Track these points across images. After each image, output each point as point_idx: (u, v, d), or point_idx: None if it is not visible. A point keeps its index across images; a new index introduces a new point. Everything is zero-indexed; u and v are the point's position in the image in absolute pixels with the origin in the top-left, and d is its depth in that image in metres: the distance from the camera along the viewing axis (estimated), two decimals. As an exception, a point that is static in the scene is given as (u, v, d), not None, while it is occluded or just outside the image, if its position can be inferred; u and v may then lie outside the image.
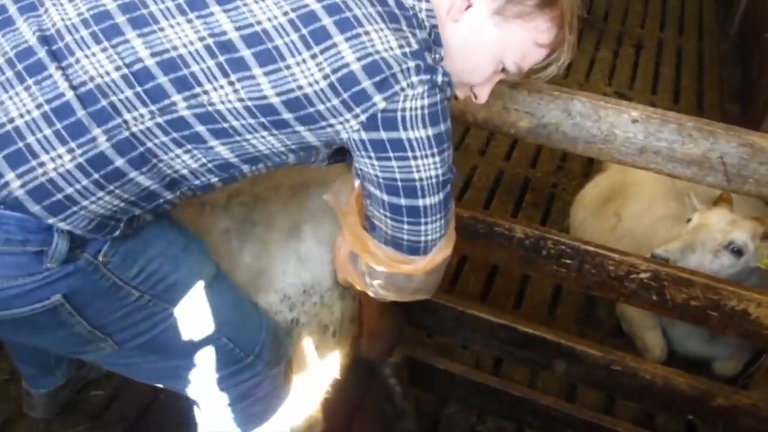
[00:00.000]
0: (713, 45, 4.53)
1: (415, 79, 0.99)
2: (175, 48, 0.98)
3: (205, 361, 1.28)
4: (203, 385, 1.33)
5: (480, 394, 2.10)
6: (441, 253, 1.21)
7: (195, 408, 1.43)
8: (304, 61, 0.98)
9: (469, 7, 1.10)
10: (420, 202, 1.10)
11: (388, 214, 1.13)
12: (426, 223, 1.13)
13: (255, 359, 1.32)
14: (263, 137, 1.04)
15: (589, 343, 1.85)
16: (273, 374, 1.38)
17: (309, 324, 1.48)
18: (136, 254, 1.11)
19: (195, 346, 1.25)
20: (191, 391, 1.36)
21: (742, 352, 2.28)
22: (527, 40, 1.12)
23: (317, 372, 1.54)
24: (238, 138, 1.03)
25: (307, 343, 1.50)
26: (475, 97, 1.22)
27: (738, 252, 1.98)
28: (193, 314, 1.22)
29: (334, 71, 0.98)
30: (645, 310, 1.78)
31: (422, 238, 1.16)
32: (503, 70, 1.17)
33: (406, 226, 1.14)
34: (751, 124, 3.18)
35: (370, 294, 1.32)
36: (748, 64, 4.03)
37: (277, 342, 1.39)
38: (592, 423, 1.99)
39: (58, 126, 0.96)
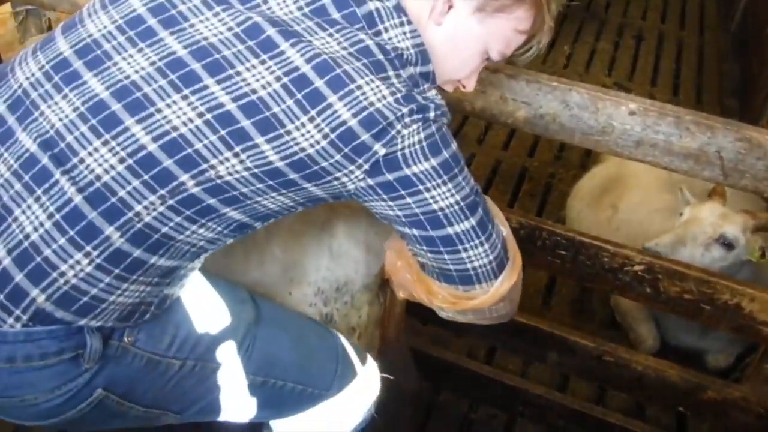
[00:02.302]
0: (714, 39, 4.52)
1: (408, 120, 1.00)
2: (175, 129, 0.96)
3: (278, 409, 1.26)
4: (286, 423, 1.31)
5: (473, 383, 2.11)
6: (505, 283, 1.17)
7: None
8: (303, 125, 0.97)
9: (450, 8, 1.11)
10: (450, 230, 1.08)
11: (425, 247, 1.11)
12: (465, 250, 1.10)
13: (335, 390, 1.29)
14: (273, 197, 1.04)
15: (581, 334, 1.85)
16: (348, 389, 1.34)
17: (340, 323, 1.46)
18: (162, 324, 1.10)
19: (261, 399, 1.22)
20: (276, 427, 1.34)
21: (734, 346, 2.29)
22: (509, 30, 1.13)
23: None
24: (249, 202, 1.03)
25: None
26: (464, 87, 1.22)
27: (729, 245, 1.99)
28: (244, 368, 1.18)
29: (333, 130, 0.98)
30: (638, 302, 1.79)
31: (469, 266, 1.12)
32: (488, 59, 1.18)
33: (446, 257, 1.11)
34: (750, 119, 3.18)
35: (443, 317, 1.29)
36: (748, 59, 4.02)
37: (351, 361, 1.35)
38: (583, 413, 2.00)
39: (71, 233, 0.95)
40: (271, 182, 1.01)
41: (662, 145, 1.36)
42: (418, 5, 1.10)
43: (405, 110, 0.99)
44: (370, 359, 1.41)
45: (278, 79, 0.98)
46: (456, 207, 1.06)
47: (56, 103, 0.99)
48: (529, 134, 3.29)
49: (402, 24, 1.07)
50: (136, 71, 0.99)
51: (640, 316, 2.36)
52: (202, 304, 1.16)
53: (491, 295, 1.16)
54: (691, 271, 1.55)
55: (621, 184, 2.57)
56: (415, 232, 1.09)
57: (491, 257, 1.14)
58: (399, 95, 1.00)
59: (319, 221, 1.43)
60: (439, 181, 1.04)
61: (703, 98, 3.93)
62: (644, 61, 4.23)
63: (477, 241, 1.11)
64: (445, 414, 2.14)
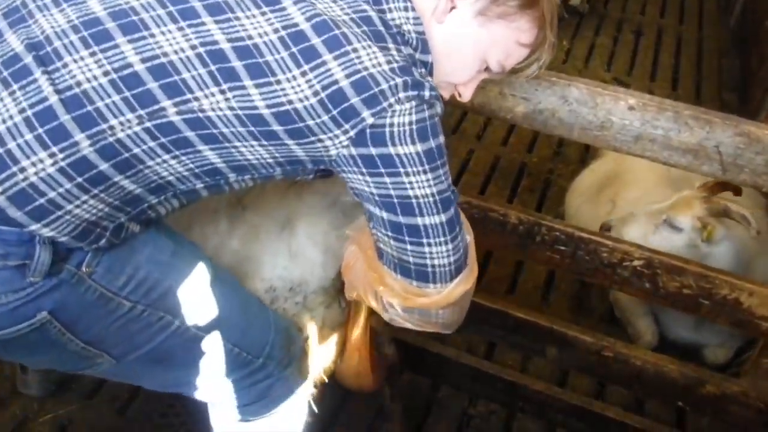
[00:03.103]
0: (713, 34, 4.51)
1: (402, 95, 1.00)
2: (165, 54, 0.97)
3: (212, 368, 1.26)
4: (214, 390, 1.31)
5: (472, 379, 2.11)
6: (460, 287, 1.17)
7: (209, 405, 1.41)
8: (294, 77, 0.98)
9: (452, 8, 1.12)
10: (419, 220, 1.08)
11: (389, 233, 1.11)
12: (429, 245, 1.11)
13: (265, 361, 1.30)
14: (252, 146, 1.03)
15: (581, 329, 1.85)
16: (286, 374, 1.36)
17: None
18: (122, 262, 1.09)
19: (199, 354, 1.23)
20: (204, 396, 1.34)
21: (732, 340, 2.29)
22: (510, 40, 1.14)
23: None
24: (227, 144, 1.02)
25: None
26: (459, 96, 1.23)
27: (675, 228, 2.02)
28: (193, 321, 1.19)
29: (324, 88, 0.98)
30: (638, 297, 1.79)
31: (428, 262, 1.13)
32: (487, 69, 1.18)
33: (409, 247, 1.11)
34: (750, 114, 3.18)
35: (386, 319, 1.29)
36: (748, 54, 4.02)
37: (289, 341, 1.37)
38: (582, 408, 2.00)
39: (40, 131, 0.94)
40: (253, 128, 1.01)
41: (661, 140, 1.36)
42: (427, 1, 1.11)
43: (399, 81, 1.00)
44: (299, 354, 1.41)
45: (276, 31, 1.00)
46: (431, 199, 1.07)
47: (52, 15, 1.00)
48: (528, 130, 3.29)
49: (406, 9, 1.08)
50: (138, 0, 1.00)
51: (639, 310, 2.37)
52: (164, 252, 1.16)
53: (444, 296, 1.16)
54: (690, 266, 1.55)
55: (619, 179, 2.57)
56: (385, 214, 1.09)
57: (452, 258, 1.14)
58: (395, 65, 1.01)
59: (280, 219, 1.42)
60: (421, 168, 1.04)
61: (703, 93, 3.93)
62: (643, 56, 4.22)
63: (442, 239, 1.11)
64: (445, 409, 2.14)
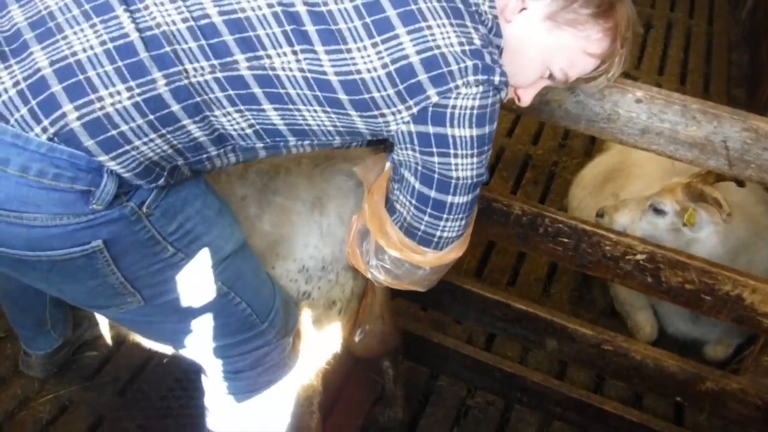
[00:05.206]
0: (723, 29, 4.47)
1: (471, 78, 1.01)
2: (243, 10, 1.00)
3: (222, 324, 1.29)
4: (215, 350, 1.33)
5: (471, 369, 2.11)
6: (453, 252, 1.22)
7: (202, 375, 1.43)
8: (365, 47, 1.00)
9: (522, 9, 1.11)
10: (449, 198, 1.12)
11: (414, 201, 1.14)
12: (447, 220, 1.15)
13: (268, 326, 1.33)
14: (315, 112, 1.05)
15: (581, 322, 1.85)
16: (282, 344, 1.39)
17: (319, 299, 1.48)
18: (176, 210, 1.12)
19: (215, 308, 1.26)
20: (203, 356, 1.36)
21: (732, 336, 2.29)
22: (577, 49, 1.13)
23: (319, 344, 1.55)
24: (291, 106, 1.04)
25: (313, 316, 1.50)
26: (518, 100, 1.22)
27: (659, 212, 2.06)
28: (219, 277, 1.23)
29: (394, 61, 1.00)
30: (640, 291, 1.79)
31: (438, 233, 1.17)
32: (550, 76, 1.17)
33: (426, 218, 1.15)
34: (758, 110, 3.15)
35: (368, 276, 1.33)
36: (757, 50, 3.98)
37: (288, 312, 1.40)
38: (580, 401, 2.01)
39: (120, 64, 0.97)
40: (318, 93, 1.03)
41: (668, 134, 1.35)
42: None
43: (470, 64, 1.00)
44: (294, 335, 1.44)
45: (352, 0, 1.01)
46: (469, 181, 1.10)
47: None
48: (534, 122, 3.28)
49: None
50: None
51: (639, 304, 2.37)
52: (212, 209, 1.20)
53: (438, 257, 1.21)
54: (693, 261, 1.55)
55: (624, 173, 2.55)
56: (418, 185, 1.12)
57: (459, 232, 1.19)
58: (467, 47, 1.01)
59: (309, 200, 1.44)
60: (470, 152, 1.06)
61: (711, 88, 3.90)
62: (652, 49, 4.18)
63: (460, 215, 1.15)
64: (443, 399, 2.15)
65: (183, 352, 1.39)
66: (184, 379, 2.04)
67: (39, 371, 2.02)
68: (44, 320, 1.92)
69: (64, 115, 0.96)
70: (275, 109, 1.05)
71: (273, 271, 1.43)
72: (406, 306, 2.26)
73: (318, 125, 1.08)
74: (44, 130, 0.96)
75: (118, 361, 2.13)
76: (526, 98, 1.21)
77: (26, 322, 1.91)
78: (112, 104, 0.97)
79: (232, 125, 1.06)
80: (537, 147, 3.28)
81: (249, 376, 1.38)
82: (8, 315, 1.91)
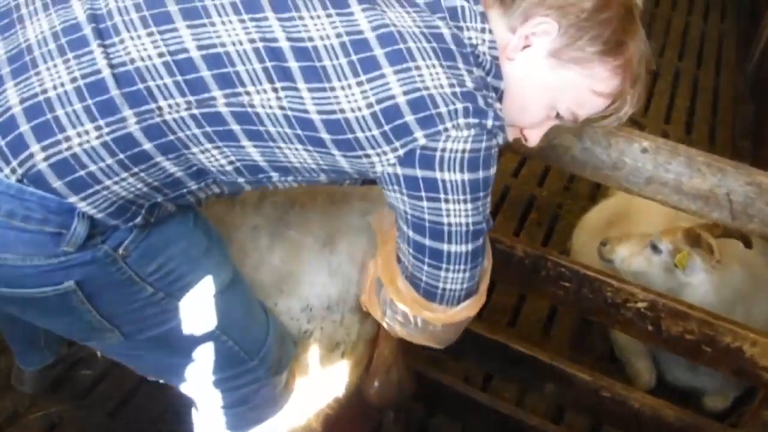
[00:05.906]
0: (730, 80, 4.52)
1: (462, 121, 0.96)
2: (223, 45, 0.96)
3: (208, 360, 1.27)
4: (203, 384, 1.31)
5: (467, 408, 2.09)
6: (465, 311, 1.17)
7: (193, 408, 1.42)
8: (349, 86, 0.96)
9: (526, 47, 1.06)
10: (445, 246, 1.07)
11: (411, 250, 1.10)
12: (447, 270, 1.10)
13: (258, 363, 1.30)
14: (297, 150, 1.02)
15: (580, 367, 1.84)
16: (274, 381, 1.36)
17: (321, 340, 1.45)
18: (156, 251, 1.10)
19: (200, 345, 1.24)
20: (190, 390, 1.35)
21: (731, 388, 2.27)
22: (583, 88, 1.07)
23: (319, 385, 1.51)
24: (271, 144, 1.01)
25: (313, 357, 1.47)
26: (525, 140, 1.18)
27: (656, 249, 2.07)
28: (203, 315, 1.21)
29: (379, 101, 0.96)
30: (640, 339, 1.78)
31: (440, 285, 1.12)
32: (558, 115, 1.12)
33: (425, 267, 1.10)
34: (763, 162, 3.17)
35: (384, 326, 1.29)
36: (763, 102, 4.02)
37: (283, 349, 1.37)
38: (576, 447, 1.98)
39: (89, 102, 0.94)
40: (300, 132, 0.99)
41: (672, 184, 1.36)
42: (500, 33, 1.06)
43: (460, 107, 0.96)
44: (287, 372, 1.41)
45: (338, 36, 0.97)
46: (463, 228, 1.05)
47: None
48: (540, 163, 3.30)
49: (484, 31, 1.04)
50: None
51: (638, 350, 2.35)
52: (198, 249, 1.17)
53: (449, 315, 1.16)
54: (694, 312, 1.54)
55: (627, 219, 2.56)
56: (411, 233, 1.08)
57: (465, 285, 1.13)
58: (458, 89, 0.97)
59: (321, 236, 1.42)
60: (462, 197, 1.02)
61: (717, 138, 3.93)
62: (659, 98, 4.23)
63: (462, 267, 1.10)
64: (438, 437, 2.12)
65: (169, 383, 1.37)
66: (177, 404, 2.02)
67: (31, 387, 2.01)
68: (37, 336, 1.91)
69: (31, 156, 0.94)
70: (254, 146, 1.01)
71: (275, 308, 1.40)
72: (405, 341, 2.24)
73: (300, 162, 1.04)
74: (13, 171, 0.94)
75: (112, 381, 2.11)
76: (533, 138, 1.16)
77: (19, 338, 1.90)
78: (80, 144, 0.94)
79: (210, 162, 1.03)
80: (542, 188, 3.29)
81: (238, 412, 1.36)
82: (1, 329, 1.90)
